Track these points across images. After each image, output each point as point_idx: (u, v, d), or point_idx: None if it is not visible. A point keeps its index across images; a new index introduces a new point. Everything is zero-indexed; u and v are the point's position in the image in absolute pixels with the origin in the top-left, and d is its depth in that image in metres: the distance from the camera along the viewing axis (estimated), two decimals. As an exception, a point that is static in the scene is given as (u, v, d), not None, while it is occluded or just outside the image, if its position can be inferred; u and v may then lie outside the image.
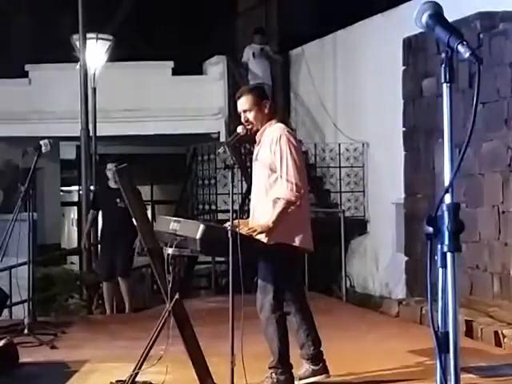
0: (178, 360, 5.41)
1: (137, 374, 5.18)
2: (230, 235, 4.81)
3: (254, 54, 13.92)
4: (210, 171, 13.19)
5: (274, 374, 5.32)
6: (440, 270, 2.33)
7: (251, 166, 5.85)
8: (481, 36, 8.73)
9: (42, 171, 16.00)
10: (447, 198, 2.32)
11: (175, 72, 15.28)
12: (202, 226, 4.93)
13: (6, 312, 9.08)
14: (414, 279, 10.21)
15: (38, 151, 7.69)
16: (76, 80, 12.06)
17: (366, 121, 12.25)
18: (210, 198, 13.26)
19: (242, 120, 5.42)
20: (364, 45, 12.32)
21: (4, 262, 8.21)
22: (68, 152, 17.52)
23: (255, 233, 5.16)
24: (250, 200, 5.80)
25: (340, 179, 12.64)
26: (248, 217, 5.62)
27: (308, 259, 9.31)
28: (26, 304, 7.92)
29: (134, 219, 5.31)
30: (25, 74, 15.33)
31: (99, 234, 10.30)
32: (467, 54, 2.25)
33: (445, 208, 2.31)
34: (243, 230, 5.06)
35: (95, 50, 12.69)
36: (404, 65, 10.44)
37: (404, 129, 10.48)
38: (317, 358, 5.45)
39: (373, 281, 12.03)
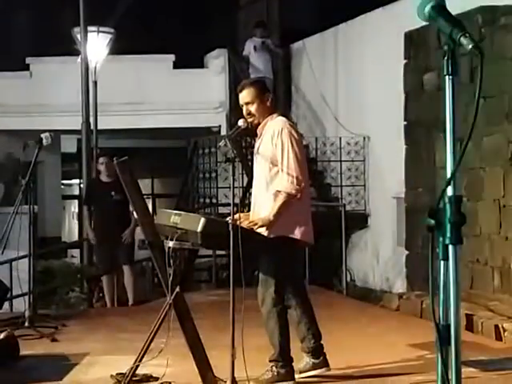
0: (178, 353, 5.42)
1: (137, 366, 5.19)
2: (230, 228, 4.82)
3: (255, 47, 13.90)
4: (211, 164, 13.18)
5: (274, 367, 5.33)
6: (442, 262, 2.32)
7: (252, 160, 5.85)
8: (482, 30, 8.71)
9: (42, 164, 16.01)
10: (449, 191, 2.31)
11: (176, 65, 15.26)
12: (202, 219, 4.93)
13: (6, 305, 9.09)
14: (415, 273, 10.21)
15: (39, 144, 7.68)
16: (77, 73, 12.06)
17: (367, 115, 12.24)
18: (210, 191, 13.25)
19: (244, 113, 5.42)
20: (365, 39, 12.30)
21: (4, 254, 8.23)
22: (69, 145, 17.52)
23: (256, 226, 5.16)
24: (250, 194, 5.80)
25: (341, 173, 12.62)
26: (249, 210, 5.62)
27: (309, 253, 9.33)
28: (26, 297, 7.93)
29: (134, 212, 5.31)
30: (26, 67, 15.32)
31: (93, 228, 10.07)
32: (470, 46, 2.24)
33: (447, 200, 2.30)
34: (244, 224, 5.06)
35: (96, 44, 12.66)
36: (405, 59, 10.42)
37: (405, 123, 10.47)
38: (317, 352, 5.46)
39: (373, 274, 12.03)
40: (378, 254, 11.96)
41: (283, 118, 5.44)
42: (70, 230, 23.51)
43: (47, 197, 17.36)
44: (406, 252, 10.52)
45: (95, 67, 12.69)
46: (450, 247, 2.31)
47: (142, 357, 5.15)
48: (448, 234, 2.30)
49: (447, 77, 2.33)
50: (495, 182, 8.51)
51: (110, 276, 9.87)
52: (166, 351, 5.13)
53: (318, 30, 13.73)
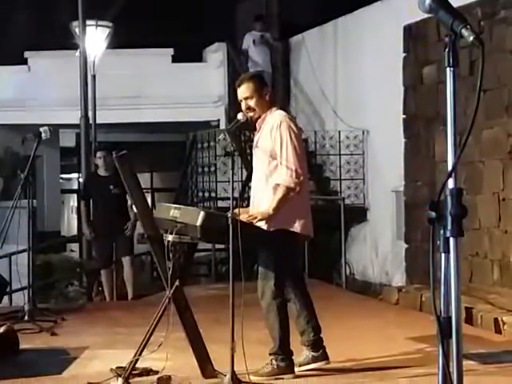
0: (178, 347, 5.42)
1: (137, 360, 5.18)
2: (230, 222, 4.81)
3: (254, 41, 13.90)
4: (210, 158, 13.16)
5: (274, 361, 5.33)
6: (442, 255, 2.32)
7: (251, 154, 5.85)
8: (482, 23, 8.71)
9: (41, 158, 16.02)
10: (450, 183, 2.31)
11: (175, 59, 15.24)
12: (202, 213, 4.93)
13: (6, 299, 9.10)
14: (414, 266, 10.23)
15: (38, 138, 7.67)
16: (75, 67, 12.02)
17: (366, 108, 12.23)
18: (209, 185, 13.23)
19: (243, 108, 5.41)
20: (364, 32, 12.28)
21: (4, 249, 8.23)
22: (68, 139, 17.48)
23: (255, 220, 5.16)
24: (250, 187, 5.80)
25: (340, 167, 12.62)
26: (248, 204, 5.61)
27: (308, 247, 9.33)
28: (25, 291, 7.93)
29: (134, 206, 5.31)
30: (24, 61, 15.29)
31: (92, 222, 10.04)
32: (471, 38, 2.23)
33: (448, 193, 2.30)
34: (243, 217, 5.05)
35: (95, 37, 12.65)
36: (404, 52, 10.42)
37: (404, 116, 10.47)
38: (317, 345, 5.45)
39: (372, 268, 12.04)
40: (377, 248, 11.97)
41: (282, 112, 5.43)
42: (69, 224, 23.52)
43: (46, 191, 17.36)
44: (406, 245, 10.54)
45: (94, 61, 12.68)
46: (451, 240, 2.31)
47: (142, 350, 5.14)
48: (449, 227, 2.30)
49: (448, 69, 2.32)
50: (494, 175, 8.51)
51: (108, 270, 9.86)
52: (166, 345, 5.13)
53: (317, 24, 13.71)
